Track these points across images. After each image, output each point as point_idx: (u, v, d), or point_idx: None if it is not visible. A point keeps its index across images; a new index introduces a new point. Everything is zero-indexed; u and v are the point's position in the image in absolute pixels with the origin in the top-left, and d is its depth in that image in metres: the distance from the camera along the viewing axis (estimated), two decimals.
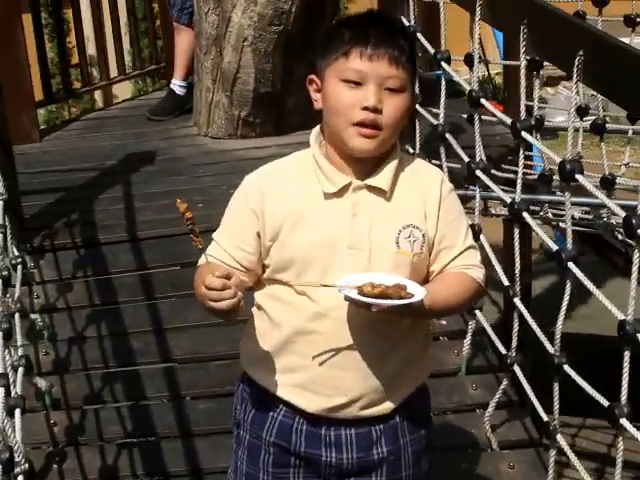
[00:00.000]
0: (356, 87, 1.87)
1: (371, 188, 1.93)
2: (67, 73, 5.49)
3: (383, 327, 1.90)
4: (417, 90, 3.38)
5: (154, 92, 6.39)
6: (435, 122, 3.26)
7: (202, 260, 1.92)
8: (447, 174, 3.23)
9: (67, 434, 2.99)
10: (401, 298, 1.79)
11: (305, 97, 4.73)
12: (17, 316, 3.16)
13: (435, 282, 1.96)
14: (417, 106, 3.41)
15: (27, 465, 2.48)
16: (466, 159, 3.02)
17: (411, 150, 3.51)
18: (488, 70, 5.28)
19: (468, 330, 3.11)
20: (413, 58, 1.93)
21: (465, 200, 3.27)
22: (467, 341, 3.11)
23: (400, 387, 1.99)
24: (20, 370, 2.95)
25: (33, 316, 3.29)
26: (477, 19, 2.88)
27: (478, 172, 2.95)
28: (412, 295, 1.80)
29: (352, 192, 1.92)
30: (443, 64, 3.17)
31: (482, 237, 2.96)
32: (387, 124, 1.87)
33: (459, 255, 1.98)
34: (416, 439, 2.05)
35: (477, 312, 3.04)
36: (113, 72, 5.88)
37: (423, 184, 1.97)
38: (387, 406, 1.98)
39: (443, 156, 3.25)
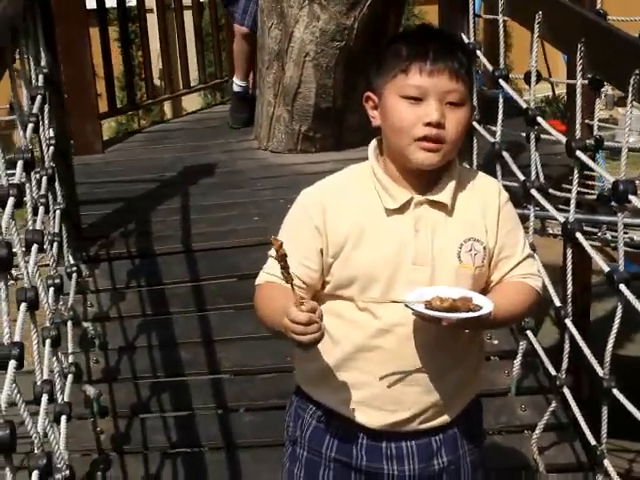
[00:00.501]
0: (417, 103, 1.86)
1: (432, 203, 1.92)
2: (132, 86, 5.55)
3: (446, 342, 1.91)
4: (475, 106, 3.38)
5: (218, 105, 6.45)
6: (492, 140, 3.23)
7: (263, 278, 1.95)
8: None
9: (113, 442, 3.01)
10: (469, 310, 1.80)
11: (366, 113, 4.74)
12: (69, 324, 3.22)
13: (495, 292, 1.96)
14: (475, 123, 3.38)
15: (68, 472, 2.50)
16: (521, 177, 2.99)
17: (468, 167, 3.47)
18: (553, 89, 5.21)
19: (519, 350, 3.06)
20: (471, 71, 1.94)
21: (523, 219, 3.23)
22: (517, 361, 3.06)
23: (460, 399, 2.01)
24: (69, 377, 3.00)
25: (85, 324, 3.32)
26: (535, 37, 2.84)
27: (533, 191, 2.91)
28: (480, 307, 1.81)
29: (414, 207, 1.91)
30: (501, 82, 3.14)
31: (536, 256, 2.91)
32: (450, 138, 1.86)
33: (518, 264, 1.98)
34: (473, 449, 2.06)
35: (528, 332, 2.99)
36: (180, 85, 5.96)
37: (482, 195, 1.97)
38: (446, 418, 1.98)
39: (499, 174, 3.21)
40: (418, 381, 1.92)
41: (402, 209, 1.91)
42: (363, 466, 1.99)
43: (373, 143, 1.99)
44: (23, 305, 2.26)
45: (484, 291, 1.96)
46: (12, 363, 1.97)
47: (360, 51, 4.48)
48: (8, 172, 2.35)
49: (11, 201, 2.19)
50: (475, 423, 2.08)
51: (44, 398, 2.42)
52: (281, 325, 1.77)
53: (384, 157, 1.96)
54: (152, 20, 5.82)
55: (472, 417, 2.06)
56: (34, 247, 2.57)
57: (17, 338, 2.05)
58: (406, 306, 1.81)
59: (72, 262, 3.47)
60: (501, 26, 3.16)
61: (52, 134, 3.36)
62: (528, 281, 1.99)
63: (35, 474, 2.06)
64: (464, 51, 1.95)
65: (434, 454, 1.99)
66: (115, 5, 5.46)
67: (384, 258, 1.89)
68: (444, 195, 1.92)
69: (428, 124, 1.84)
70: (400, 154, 1.90)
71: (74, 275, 3.41)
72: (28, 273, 2.32)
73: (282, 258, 1.72)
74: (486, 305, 1.82)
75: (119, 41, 5.60)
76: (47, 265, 3.47)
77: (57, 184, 3.37)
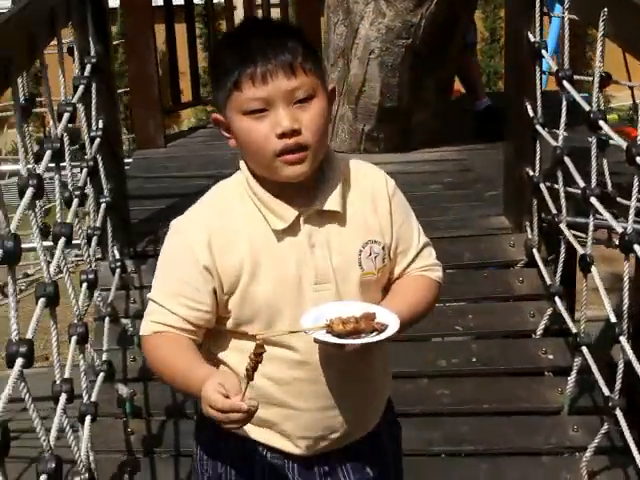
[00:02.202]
0: (263, 115, 1.67)
1: (322, 213, 1.76)
2: (197, 81, 5.49)
3: (363, 360, 1.79)
4: (535, 111, 3.20)
5: None
6: (554, 144, 3.06)
7: (151, 328, 1.77)
8: (565, 200, 3.04)
9: (143, 444, 2.92)
10: (374, 330, 1.67)
11: (432, 114, 4.62)
12: (107, 320, 3.14)
13: (396, 295, 1.83)
14: (538, 127, 3.21)
15: (87, 475, 2.42)
16: (582, 184, 2.81)
17: (531, 172, 3.30)
18: (633, 95, 4.99)
19: (573, 367, 2.89)
20: (311, 52, 1.71)
21: (582, 228, 3.06)
22: (572, 379, 2.91)
23: (380, 406, 1.94)
24: (101, 376, 2.93)
25: (124, 321, 3.24)
26: (600, 35, 2.66)
27: (592, 199, 2.73)
28: (384, 325, 1.67)
29: (304, 222, 1.75)
30: (565, 83, 2.97)
31: (594, 269, 2.74)
32: (311, 140, 1.68)
33: (416, 256, 1.86)
34: (397, 449, 2.03)
35: (583, 348, 2.81)
36: None
37: (370, 191, 1.81)
38: (374, 423, 1.92)
39: (560, 180, 3.05)
40: (343, 402, 1.81)
41: (292, 227, 1.74)
42: None
43: (242, 163, 1.77)
44: (41, 301, 2.19)
45: (386, 286, 1.86)
46: (19, 361, 1.89)
47: (427, 50, 4.33)
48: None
49: (30, 191, 2.11)
50: (392, 419, 2.02)
51: (62, 397, 2.35)
52: (199, 393, 1.61)
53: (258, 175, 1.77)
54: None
55: (388, 415, 1.98)
56: (61, 240, 2.51)
57: (29, 335, 1.98)
58: (305, 332, 1.66)
59: (117, 257, 3.40)
60: (566, 24, 2.99)
61: (100, 125, 3.30)
62: (428, 274, 1.88)
63: (43, 478, 1.99)
64: (293, 34, 1.72)
65: (366, 462, 1.91)
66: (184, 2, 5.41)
67: (284, 285, 1.73)
68: (333, 202, 1.75)
69: (282, 135, 1.66)
70: (267, 173, 1.72)
71: (117, 271, 3.34)
72: (48, 267, 2.24)
73: (257, 359, 1.57)
74: (391, 323, 1.68)
75: (205, 36, 5.56)
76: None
77: (103, 177, 3.30)
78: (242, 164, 1.77)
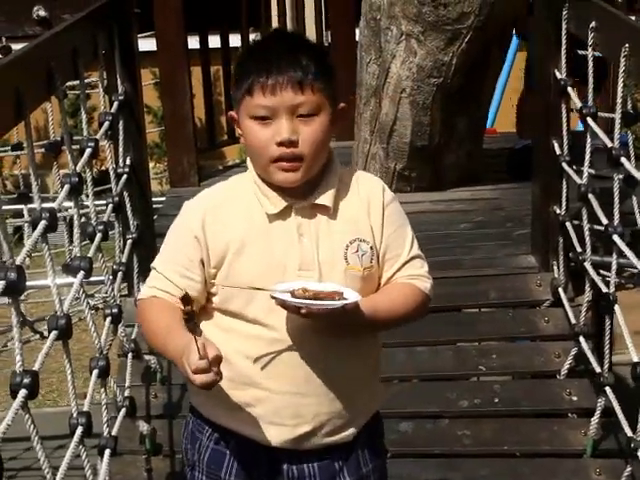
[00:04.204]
0: (267, 122, 1.81)
1: (314, 206, 1.87)
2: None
3: (337, 352, 1.85)
4: (562, 149, 3.18)
5: None
6: (579, 182, 3.03)
7: (147, 292, 1.91)
8: (590, 237, 3.00)
9: None
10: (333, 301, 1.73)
11: (466, 154, 4.61)
12: (130, 356, 3.15)
13: (378, 293, 1.89)
14: (564, 165, 3.18)
15: None
16: (604, 221, 2.77)
17: (557, 211, 3.27)
18: None
19: (597, 408, 2.84)
20: (324, 72, 1.83)
21: (606, 266, 3.02)
22: (595, 420, 2.85)
23: (359, 412, 1.94)
24: (122, 411, 2.93)
25: (147, 357, 3.24)
26: (621, 72, 2.64)
27: (615, 237, 2.70)
28: (345, 298, 1.74)
29: (295, 213, 1.88)
30: (589, 120, 2.94)
31: (617, 307, 2.69)
32: (307, 153, 1.81)
33: (404, 265, 1.91)
34: (377, 467, 1.99)
35: (607, 389, 2.75)
36: None
37: (365, 195, 1.90)
38: (349, 432, 1.92)
39: (585, 219, 3.01)
40: (316, 392, 1.86)
41: (284, 215, 1.87)
42: None
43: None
44: (53, 333, 2.20)
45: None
46: (22, 392, 1.90)
47: (458, 88, 4.32)
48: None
49: (42, 224, 2.13)
50: (378, 440, 2.02)
51: (78, 430, 2.35)
52: (177, 361, 1.73)
53: None
54: None
55: (372, 436, 1.99)
56: (80, 274, 2.52)
57: (36, 367, 1.99)
58: (271, 297, 1.74)
59: None
60: (590, 61, 2.96)
61: (128, 162, 3.34)
62: (414, 282, 1.91)
63: None
64: (311, 54, 1.84)
65: (336, 475, 1.93)
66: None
67: (267, 267, 1.83)
68: (325, 198, 1.88)
69: (280, 144, 1.80)
70: (264, 175, 1.86)
71: None
72: (60, 300, 2.25)
73: (188, 315, 1.67)
74: (352, 297, 1.75)
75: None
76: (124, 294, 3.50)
77: (129, 213, 3.33)
78: (248, 160, 1.92)
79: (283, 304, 1.75)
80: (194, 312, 1.69)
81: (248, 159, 1.93)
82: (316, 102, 1.81)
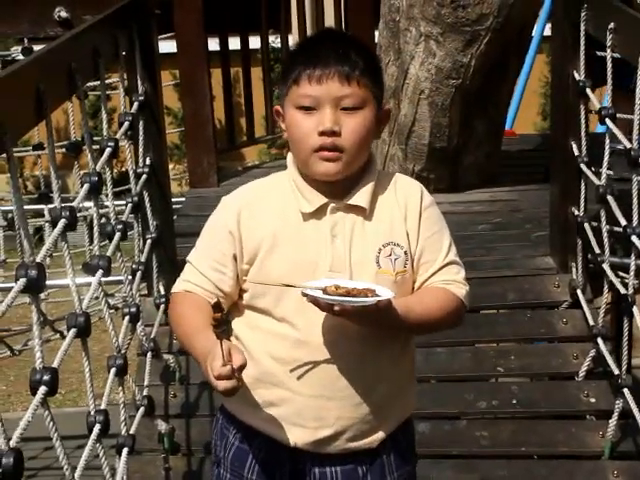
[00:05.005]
0: (311, 112, 1.82)
1: (350, 207, 1.86)
2: (251, 122, 5.57)
3: (367, 354, 1.83)
4: (580, 150, 3.17)
5: None
6: (597, 183, 3.02)
7: (181, 286, 1.93)
8: (608, 239, 3.00)
9: None
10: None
11: (484, 155, 4.59)
12: (149, 355, 3.16)
13: (412, 295, 1.87)
14: (582, 166, 3.17)
15: None
16: (623, 223, 2.77)
17: (576, 212, 3.26)
18: None
19: (615, 410, 2.83)
20: (372, 70, 1.85)
21: (624, 268, 3.01)
22: (613, 422, 2.84)
23: (386, 419, 1.91)
24: (141, 410, 2.94)
25: (166, 356, 3.26)
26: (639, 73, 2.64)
27: (634, 237, 2.69)
28: (378, 295, 1.71)
29: (330, 213, 1.86)
30: (607, 121, 2.94)
31: (635, 310, 2.69)
32: (348, 145, 1.81)
33: (439, 270, 1.88)
34: (403, 475, 1.95)
35: (625, 390, 2.75)
36: None
37: (403, 199, 1.88)
38: (374, 438, 1.89)
39: (603, 220, 3.00)
40: (340, 395, 1.84)
41: (318, 214, 1.87)
42: None
43: (290, 154, 1.94)
44: (72, 331, 2.22)
45: None
46: (42, 389, 1.91)
47: (477, 90, 4.33)
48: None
49: (62, 223, 2.15)
50: (406, 447, 1.98)
51: (95, 428, 2.36)
52: (201, 362, 1.75)
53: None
54: None
55: (402, 441, 1.96)
56: (98, 272, 2.54)
57: (55, 364, 2.00)
58: (302, 294, 1.73)
59: (162, 293, 3.43)
60: (609, 62, 2.95)
61: (147, 162, 3.36)
62: (450, 287, 1.88)
63: None
64: (360, 51, 1.86)
65: None
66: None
67: (298, 265, 1.82)
68: (361, 199, 1.86)
69: (322, 133, 1.80)
70: (304, 166, 1.86)
71: (162, 306, 3.37)
72: (79, 298, 2.27)
73: (218, 321, 1.66)
74: (385, 294, 1.72)
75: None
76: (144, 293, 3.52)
77: (149, 213, 3.35)
78: (289, 156, 1.93)
79: (315, 301, 1.72)
80: (224, 319, 1.68)
81: (288, 155, 1.94)
82: (361, 96, 1.82)
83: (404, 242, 1.86)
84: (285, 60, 1.97)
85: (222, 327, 1.67)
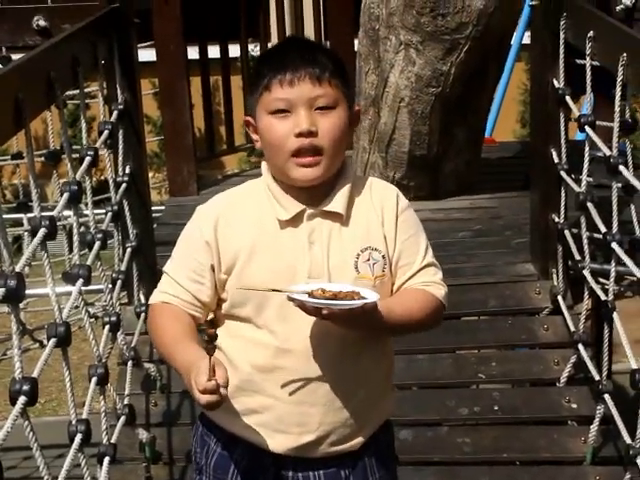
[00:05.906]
0: (286, 116, 1.82)
1: (326, 214, 1.86)
2: (231, 130, 5.57)
3: (347, 360, 1.84)
4: (560, 157, 3.18)
5: None
6: (577, 190, 3.03)
7: (158, 297, 1.92)
8: (589, 246, 3.01)
9: None
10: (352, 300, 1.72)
11: (464, 163, 4.61)
12: (130, 364, 3.15)
13: (392, 297, 1.88)
14: (562, 173, 3.19)
15: None
16: (603, 230, 2.78)
17: (556, 219, 3.27)
18: None
19: (596, 416, 2.84)
20: (341, 71, 1.87)
21: (605, 275, 3.02)
22: (594, 427, 2.85)
23: (367, 422, 1.92)
24: (122, 419, 2.93)
25: (147, 365, 3.25)
26: (619, 80, 2.65)
27: (614, 245, 2.70)
28: (364, 298, 1.72)
29: (307, 220, 1.87)
30: (587, 128, 2.95)
31: (615, 316, 2.70)
32: (326, 145, 1.82)
33: (417, 272, 1.89)
34: (385, 476, 1.96)
35: (606, 396, 2.76)
36: None
37: (379, 203, 1.89)
38: (356, 441, 1.91)
39: (583, 227, 3.01)
40: (322, 400, 1.85)
41: (295, 221, 1.87)
42: None
43: (264, 162, 1.95)
44: (52, 341, 2.21)
45: None
46: (21, 399, 1.90)
47: (457, 98, 4.33)
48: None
49: (42, 232, 2.14)
50: (387, 449, 2.01)
51: (77, 437, 2.35)
52: (183, 375, 1.75)
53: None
54: None
55: (381, 444, 1.98)
56: (79, 281, 2.53)
57: (35, 374, 1.99)
58: (288, 298, 1.73)
59: (142, 302, 3.42)
60: (588, 69, 2.97)
61: (127, 171, 3.35)
62: (429, 289, 1.89)
63: None
64: (327, 54, 1.90)
65: None
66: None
67: (277, 274, 1.82)
68: (338, 205, 1.86)
69: (299, 134, 1.80)
70: (282, 173, 1.86)
71: (142, 315, 3.36)
72: (59, 307, 2.26)
73: (211, 337, 1.66)
74: (371, 296, 1.74)
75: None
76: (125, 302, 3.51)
77: (129, 222, 3.34)
78: (263, 164, 1.93)
79: (302, 305, 1.72)
80: (216, 335, 1.67)
81: (263, 164, 1.94)
82: (334, 96, 1.83)
83: (382, 246, 1.87)
84: (253, 70, 1.97)
85: (213, 343, 1.67)
